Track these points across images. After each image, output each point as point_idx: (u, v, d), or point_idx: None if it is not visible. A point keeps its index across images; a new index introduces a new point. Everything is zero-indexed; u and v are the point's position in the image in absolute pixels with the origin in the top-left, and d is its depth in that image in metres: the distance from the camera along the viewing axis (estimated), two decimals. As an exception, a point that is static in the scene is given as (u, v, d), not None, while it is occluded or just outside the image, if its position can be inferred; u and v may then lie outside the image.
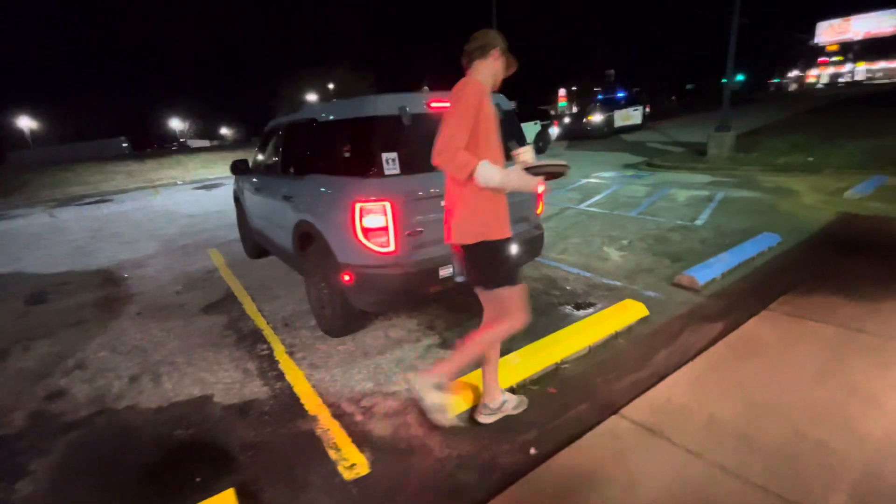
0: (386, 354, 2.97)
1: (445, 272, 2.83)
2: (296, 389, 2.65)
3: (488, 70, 1.98)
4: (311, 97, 37.82)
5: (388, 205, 2.59)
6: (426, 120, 2.81)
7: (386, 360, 2.90)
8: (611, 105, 17.40)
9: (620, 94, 18.28)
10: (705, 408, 2.14)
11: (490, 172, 1.80)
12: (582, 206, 6.83)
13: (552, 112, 20.43)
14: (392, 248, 2.66)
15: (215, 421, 2.43)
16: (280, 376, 2.80)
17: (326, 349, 3.09)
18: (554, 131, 15.79)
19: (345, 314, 3.03)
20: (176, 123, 55.38)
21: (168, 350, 3.26)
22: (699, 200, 6.61)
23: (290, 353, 3.07)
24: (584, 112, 17.27)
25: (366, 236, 2.63)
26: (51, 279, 5.17)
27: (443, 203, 2.64)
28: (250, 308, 3.91)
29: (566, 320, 3.17)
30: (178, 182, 15.46)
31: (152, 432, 2.38)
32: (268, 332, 3.42)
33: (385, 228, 2.62)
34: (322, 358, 2.98)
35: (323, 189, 3.01)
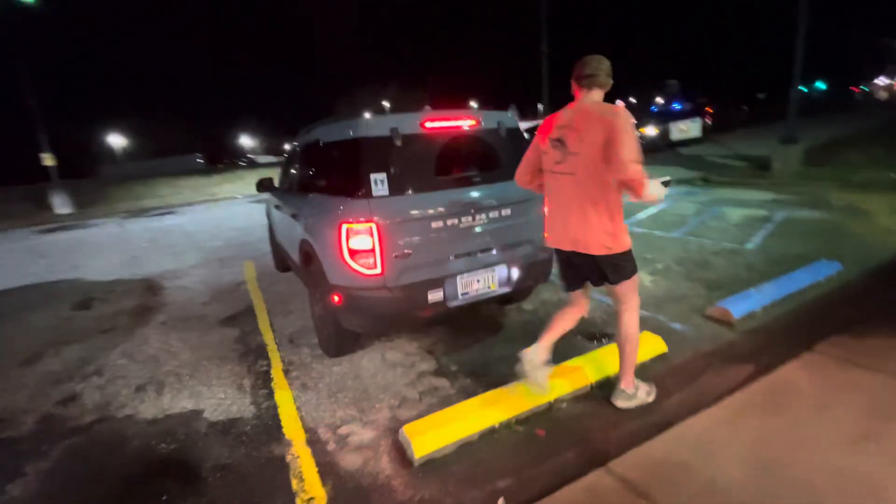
0: (377, 378, 2.88)
1: (435, 296, 2.71)
2: (280, 411, 2.62)
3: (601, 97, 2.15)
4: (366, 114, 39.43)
5: (373, 226, 2.53)
6: (420, 140, 2.75)
7: (375, 384, 2.82)
8: (666, 117, 16.42)
9: (677, 106, 17.21)
10: (708, 469, 1.84)
11: (653, 186, 2.02)
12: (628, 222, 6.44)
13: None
14: (378, 270, 2.59)
15: (199, 437, 2.45)
16: (269, 395, 2.80)
17: (321, 369, 3.06)
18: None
19: (338, 335, 3.00)
20: (246, 140, 59.81)
21: (179, 361, 3.38)
22: (754, 220, 6.01)
23: (286, 372, 3.07)
24: (637, 125, 16.43)
25: (352, 258, 2.58)
26: (100, 286, 5.62)
27: (439, 224, 2.56)
28: (263, 322, 3.99)
29: (572, 352, 2.92)
30: (238, 196, 16.55)
31: (141, 444, 2.44)
32: (272, 348, 3.46)
33: (371, 251, 2.56)
34: (314, 378, 2.95)
35: (317, 209, 3.02)
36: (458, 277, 2.80)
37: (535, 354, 2.37)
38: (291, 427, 2.46)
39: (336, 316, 2.84)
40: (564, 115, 2.15)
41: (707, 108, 17.46)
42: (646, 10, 58.86)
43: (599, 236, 2.10)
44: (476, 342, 3.30)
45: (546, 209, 2.42)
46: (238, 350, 3.49)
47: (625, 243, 2.14)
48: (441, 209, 2.69)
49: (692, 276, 4.26)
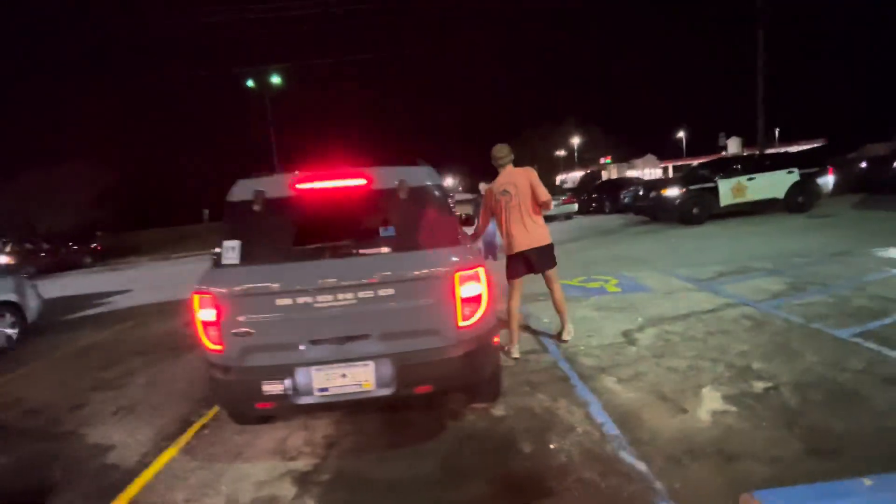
0: (206, 469, 2.54)
1: (274, 388, 2.24)
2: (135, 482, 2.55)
3: None
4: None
5: (212, 297, 2.28)
6: (287, 204, 2.40)
7: (203, 475, 2.49)
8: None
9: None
10: None
11: None
12: (767, 305, 4.41)
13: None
14: (219, 346, 2.31)
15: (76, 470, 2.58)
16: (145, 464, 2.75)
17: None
18: (828, 180, 10.90)
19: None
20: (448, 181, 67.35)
21: (155, 392, 3.76)
22: None
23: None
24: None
25: (203, 330, 2.38)
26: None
27: (286, 301, 2.17)
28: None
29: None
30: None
31: (35, 460, 2.74)
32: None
33: (214, 323, 2.31)
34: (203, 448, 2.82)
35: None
36: (314, 369, 2.27)
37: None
38: None
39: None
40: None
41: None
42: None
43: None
44: (391, 448, 2.63)
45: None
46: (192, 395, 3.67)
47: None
48: (290, 284, 2.24)
49: (807, 415, 2.50)
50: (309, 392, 2.27)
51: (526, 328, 4.47)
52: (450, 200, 3.23)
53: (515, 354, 3.76)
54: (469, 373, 2.39)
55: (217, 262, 2.38)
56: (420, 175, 2.44)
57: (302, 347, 2.27)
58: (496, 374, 2.82)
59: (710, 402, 2.76)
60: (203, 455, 2.72)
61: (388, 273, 2.25)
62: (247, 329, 2.26)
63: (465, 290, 2.31)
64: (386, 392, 2.28)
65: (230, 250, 2.35)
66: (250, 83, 18.48)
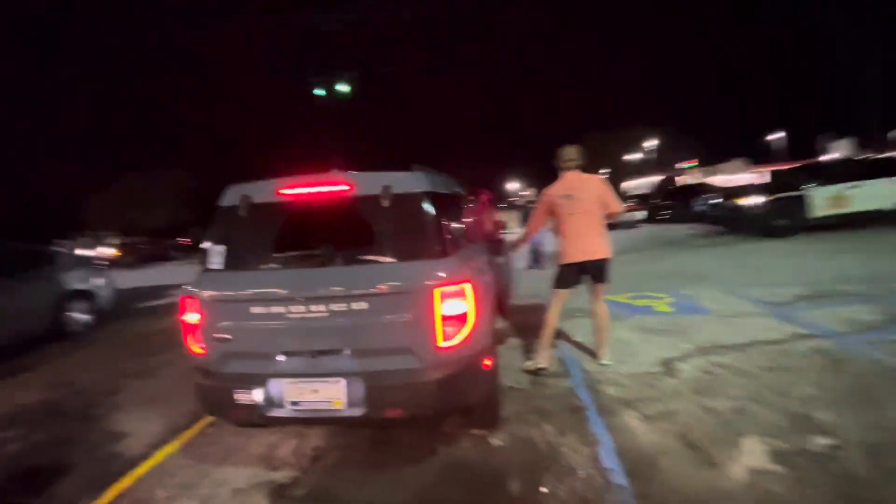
0: (194, 469, 2.54)
1: (245, 397, 2.18)
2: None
3: None
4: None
5: (194, 301, 2.29)
6: (270, 210, 2.35)
7: (189, 474, 2.50)
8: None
9: None
10: None
11: None
12: (852, 339, 3.69)
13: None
14: (201, 350, 2.31)
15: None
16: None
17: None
18: None
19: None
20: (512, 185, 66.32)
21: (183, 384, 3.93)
22: None
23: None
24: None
25: (188, 332, 2.39)
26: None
27: (260, 309, 2.12)
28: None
29: None
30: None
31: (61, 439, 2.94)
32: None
33: (197, 326, 2.31)
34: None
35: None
36: (287, 381, 2.18)
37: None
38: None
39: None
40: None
41: None
42: None
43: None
44: (373, 469, 2.49)
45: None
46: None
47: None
48: (264, 290, 2.18)
49: (869, 492, 1.97)
50: (281, 405, 2.19)
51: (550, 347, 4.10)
52: (461, 206, 3.04)
53: (542, 364, 3.57)
54: (447, 399, 2.17)
55: (204, 266, 2.39)
56: (408, 181, 2.27)
57: (277, 358, 2.20)
58: (491, 400, 2.57)
59: (750, 457, 2.29)
60: (197, 454, 2.77)
61: (360, 285, 2.10)
62: (225, 335, 2.24)
63: (447, 307, 2.10)
64: (356, 413, 2.13)
65: (215, 255, 2.35)
66: (321, 91, 19.51)
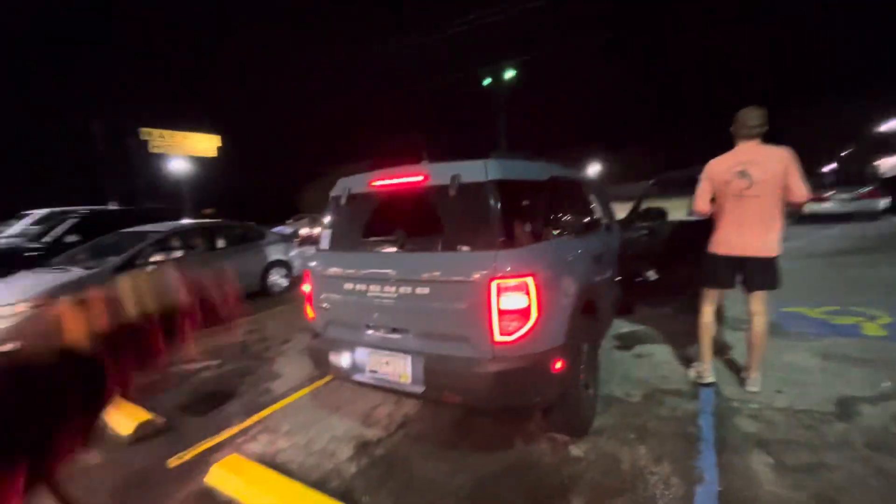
0: (312, 413, 2.98)
1: (336, 360, 2.50)
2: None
3: None
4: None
5: (307, 274, 2.72)
6: (364, 200, 2.65)
7: (307, 417, 2.95)
8: None
9: None
10: None
11: None
12: None
13: None
14: (313, 315, 2.74)
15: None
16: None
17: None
18: None
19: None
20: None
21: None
22: None
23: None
24: None
25: (306, 299, 2.84)
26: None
27: (350, 286, 2.49)
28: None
29: None
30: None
31: (241, 372, 3.87)
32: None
33: (310, 295, 2.74)
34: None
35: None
36: (368, 351, 2.42)
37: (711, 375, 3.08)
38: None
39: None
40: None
41: None
42: None
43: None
44: (446, 448, 2.60)
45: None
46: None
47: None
48: (351, 270, 2.44)
49: None
50: (362, 371, 2.47)
51: (688, 360, 3.49)
52: (557, 195, 2.83)
53: (707, 378, 3.09)
54: (503, 394, 2.09)
55: (318, 246, 2.82)
56: (476, 170, 2.23)
57: (362, 329, 2.46)
58: (572, 405, 2.37)
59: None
60: (319, 401, 3.32)
61: (421, 271, 2.19)
62: (326, 305, 2.62)
63: (505, 300, 2.02)
64: (418, 389, 2.25)
65: (325, 237, 2.74)
66: (488, 81, 20.06)
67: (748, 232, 2.78)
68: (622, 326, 4.45)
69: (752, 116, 2.73)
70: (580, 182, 3.44)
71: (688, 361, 3.48)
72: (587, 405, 2.64)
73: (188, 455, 2.69)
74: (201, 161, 25.56)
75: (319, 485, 2.31)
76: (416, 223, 2.42)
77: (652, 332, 4.21)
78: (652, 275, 4.04)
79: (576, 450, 2.46)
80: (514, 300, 2.03)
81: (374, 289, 2.36)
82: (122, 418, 2.97)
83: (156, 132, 23.15)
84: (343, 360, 2.50)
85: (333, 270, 2.56)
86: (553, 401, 2.27)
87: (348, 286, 2.48)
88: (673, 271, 3.82)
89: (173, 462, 2.63)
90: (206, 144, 25.77)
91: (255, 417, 3.11)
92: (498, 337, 2.06)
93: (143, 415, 3.02)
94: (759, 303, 2.87)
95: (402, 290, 2.26)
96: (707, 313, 3.08)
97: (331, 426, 2.92)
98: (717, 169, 2.85)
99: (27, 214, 8.53)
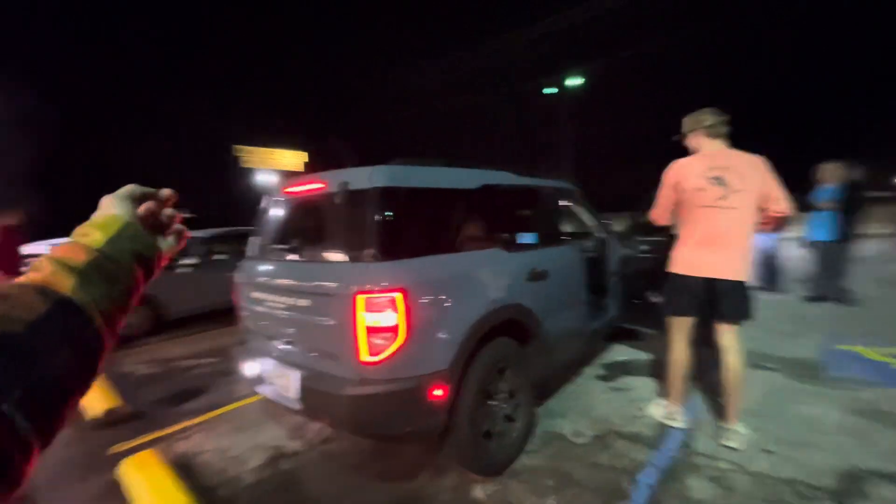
0: (257, 416, 2.98)
1: (250, 370, 2.49)
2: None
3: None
4: None
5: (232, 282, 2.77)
6: (279, 206, 2.64)
7: (249, 419, 2.96)
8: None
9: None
10: None
11: None
12: None
13: None
14: (241, 321, 2.77)
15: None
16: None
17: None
18: None
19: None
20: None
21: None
22: None
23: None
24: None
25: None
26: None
27: (255, 294, 2.51)
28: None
29: None
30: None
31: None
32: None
33: (235, 301, 2.78)
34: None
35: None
36: (273, 363, 2.37)
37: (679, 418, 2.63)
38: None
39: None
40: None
41: None
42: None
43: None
44: (354, 470, 2.47)
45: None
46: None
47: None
48: (260, 279, 2.41)
49: None
50: (265, 383, 2.43)
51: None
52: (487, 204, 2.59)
53: (677, 423, 2.63)
54: (368, 422, 1.92)
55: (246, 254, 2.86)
56: (363, 177, 2.09)
57: (267, 340, 2.44)
58: (465, 441, 2.11)
59: None
60: (266, 408, 3.34)
61: (305, 283, 2.10)
62: (244, 313, 2.64)
63: (370, 317, 1.86)
64: (296, 406, 2.14)
65: (250, 245, 2.78)
66: (552, 90, 19.43)
67: (722, 250, 2.33)
68: (621, 354, 3.95)
69: (706, 114, 2.40)
70: (544, 192, 3.12)
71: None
72: (505, 441, 2.35)
73: (129, 445, 2.86)
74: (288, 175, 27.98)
75: (210, 490, 2.32)
76: (313, 232, 2.36)
77: (646, 363, 3.67)
78: (653, 296, 3.53)
79: (479, 491, 2.19)
80: (380, 317, 1.86)
81: (275, 299, 2.32)
82: (95, 401, 3.26)
83: (245, 148, 25.93)
84: (250, 370, 2.49)
85: (247, 278, 2.57)
86: (429, 432, 2.03)
87: (258, 295, 2.47)
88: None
89: (115, 449, 2.81)
90: (293, 160, 28.17)
91: (203, 417, 3.23)
92: (363, 357, 1.90)
93: (113, 401, 3.29)
94: (731, 336, 2.41)
95: (291, 301, 2.20)
96: (678, 348, 2.61)
97: (261, 434, 2.92)
98: (687, 173, 2.41)
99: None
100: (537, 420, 2.78)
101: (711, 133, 2.37)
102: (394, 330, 1.86)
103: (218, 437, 2.91)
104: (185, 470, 2.50)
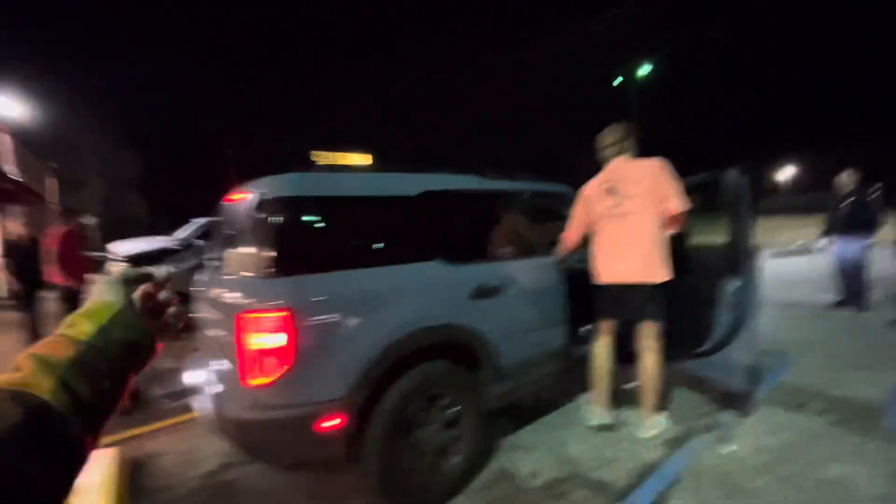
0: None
1: (190, 380, 2.49)
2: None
3: None
4: None
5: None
6: (223, 217, 2.58)
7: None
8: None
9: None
10: None
11: None
12: None
13: None
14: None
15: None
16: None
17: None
18: None
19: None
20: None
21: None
22: None
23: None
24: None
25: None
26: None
27: (201, 306, 2.55)
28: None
29: None
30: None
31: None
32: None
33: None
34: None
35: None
36: (205, 375, 2.34)
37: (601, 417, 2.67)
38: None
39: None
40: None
41: None
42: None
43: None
44: (287, 483, 2.38)
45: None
46: None
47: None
48: (202, 290, 2.41)
49: None
50: (197, 395, 2.40)
51: (668, 444, 2.50)
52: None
53: (595, 421, 2.69)
54: (253, 449, 1.80)
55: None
56: (273, 186, 1.95)
57: (204, 352, 2.42)
58: (383, 476, 1.90)
59: None
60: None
61: (214, 297, 2.03)
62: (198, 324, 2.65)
63: (255, 337, 1.73)
64: (212, 426, 2.09)
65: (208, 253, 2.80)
66: (619, 80, 18.06)
67: (628, 255, 2.45)
68: (624, 379, 3.44)
69: (606, 136, 2.57)
70: (519, 198, 2.78)
71: (668, 445, 2.49)
72: (437, 477, 2.10)
73: (107, 439, 3.03)
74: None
75: (156, 493, 2.36)
76: (235, 243, 2.28)
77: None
78: None
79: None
80: (264, 339, 1.73)
81: (205, 310, 2.30)
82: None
83: (322, 153, 27.73)
84: (188, 380, 2.48)
85: (197, 290, 2.59)
86: (326, 463, 1.85)
87: (201, 306, 2.47)
88: (691, 313, 2.81)
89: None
90: (360, 161, 29.61)
91: (183, 417, 3.34)
92: (248, 380, 1.77)
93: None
94: (648, 336, 2.52)
95: (213, 314, 2.15)
96: (601, 350, 2.66)
97: (213, 450, 2.93)
98: (590, 191, 2.60)
99: (192, 221, 10.97)
100: (495, 452, 2.49)
101: (610, 152, 2.55)
102: (278, 353, 1.72)
103: (185, 440, 2.98)
104: (140, 470, 2.57)
